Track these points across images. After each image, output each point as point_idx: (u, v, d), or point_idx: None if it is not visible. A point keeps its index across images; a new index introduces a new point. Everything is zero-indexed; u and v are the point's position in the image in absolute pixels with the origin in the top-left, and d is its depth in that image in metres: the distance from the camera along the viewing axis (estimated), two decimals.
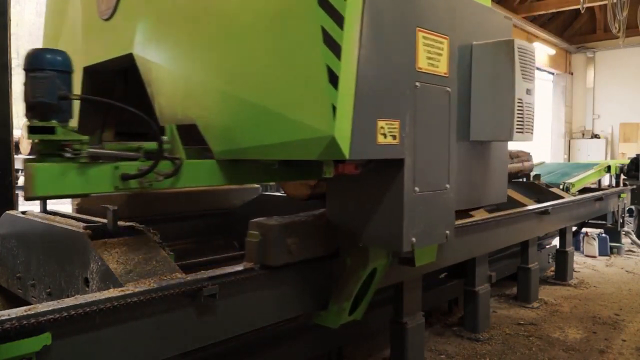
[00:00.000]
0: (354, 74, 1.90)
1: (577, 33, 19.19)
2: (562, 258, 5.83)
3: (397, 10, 2.11)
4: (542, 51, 17.32)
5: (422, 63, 2.24)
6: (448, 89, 2.40)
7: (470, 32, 2.67)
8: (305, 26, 1.93)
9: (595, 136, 19.51)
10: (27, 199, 1.86)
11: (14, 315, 1.50)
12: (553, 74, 19.34)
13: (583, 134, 19.74)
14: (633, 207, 8.27)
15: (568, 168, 8.01)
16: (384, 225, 2.26)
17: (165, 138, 2.09)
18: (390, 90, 2.10)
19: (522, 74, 2.65)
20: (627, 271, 6.47)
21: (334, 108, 1.84)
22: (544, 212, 4.76)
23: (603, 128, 19.40)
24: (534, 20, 16.86)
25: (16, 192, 4.05)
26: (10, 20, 3.84)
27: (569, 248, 5.83)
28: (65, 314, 1.58)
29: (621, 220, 7.28)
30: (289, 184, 3.39)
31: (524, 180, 6.19)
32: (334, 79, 1.85)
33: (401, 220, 2.20)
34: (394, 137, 2.10)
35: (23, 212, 2.89)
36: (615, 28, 11.40)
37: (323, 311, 2.54)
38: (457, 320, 4.42)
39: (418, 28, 2.20)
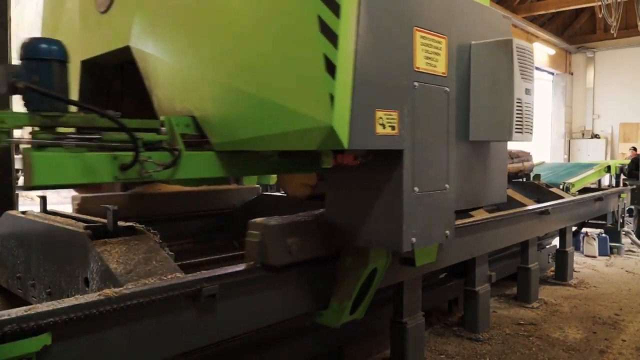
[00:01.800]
0: (351, 63, 1.87)
1: (577, 33, 19.21)
2: (562, 258, 5.83)
3: (393, 7, 2.08)
4: (542, 51, 17.32)
5: (420, 63, 2.21)
6: (447, 88, 2.37)
7: (468, 32, 2.62)
8: (301, 15, 1.91)
9: (595, 136, 19.52)
10: (25, 188, 1.85)
11: (14, 315, 1.50)
12: (553, 74, 19.36)
13: (583, 134, 19.75)
14: (633, 207, 8.28)
15: (568, 168, 8.02)
16: (383, 225, 2.22)
17: (163, 129, 2.14)
18: (389, 82, 2.06)
19: (521, 74, 2.60)
20: (627, 271, 6.47)
21: (332, 97, 1.82)
22: (544, 212, 4.76)
23: (603, 128, 19.41)
24: (534, 20, 16.87)
25: (16, 192, 4.05)
26: (10, 20, 3.85)
27: (569, 248, 5.83)
28: (65, 314, 1.58)
29: (621, 220, 7.28)
30: (290, 184, 3.39)
31: (524, 180, 6.19)
32: (331, 68, 1.83)
33: (401, 221, 2.15)
34: (393, 127, 2.06)
35: (23, 212, 2.88)
36: (610, 18, 11.36)
37: (324, 311, 2.54)
38: (457, 320, 4.42)
39: (415, 27, 2.17)
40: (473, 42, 2.62)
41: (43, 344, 1.54)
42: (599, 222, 7.22)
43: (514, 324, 4.40)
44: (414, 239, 2.20)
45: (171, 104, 2.50)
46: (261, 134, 2.09)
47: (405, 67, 2.13)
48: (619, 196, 6.93)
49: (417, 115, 2.18)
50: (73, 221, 2.43)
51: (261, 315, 2.27)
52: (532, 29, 16.04)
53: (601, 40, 18.47)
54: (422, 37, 2.21)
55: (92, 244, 2.11)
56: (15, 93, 1.86)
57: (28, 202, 13.52)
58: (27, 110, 1.87)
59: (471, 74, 2.63)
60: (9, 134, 1.88)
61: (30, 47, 1.91)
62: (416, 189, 2.20)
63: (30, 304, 1.84)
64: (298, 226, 2.36)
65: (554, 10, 15.86)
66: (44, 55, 1.92)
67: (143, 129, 2.10)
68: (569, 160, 18.47)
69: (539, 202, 5.23)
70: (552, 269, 6.04)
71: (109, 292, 1.73)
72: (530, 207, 4.69)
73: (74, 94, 2.87)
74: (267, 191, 5.90)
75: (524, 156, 6.14)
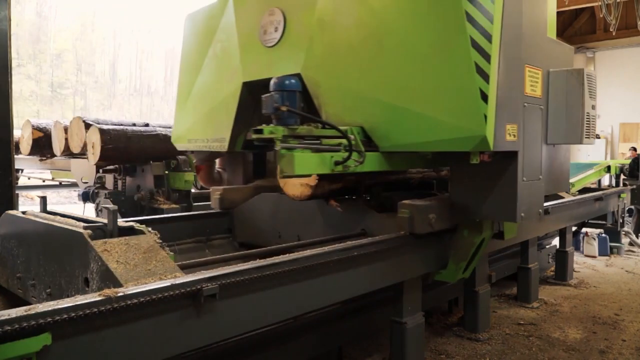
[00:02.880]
0: (495, 93, 2.74)
1: (577, 33, 19.20)
2: (562, 258, 5.83)
3: (515, 51, 2.96)
4: None
5: (528, 89, 3.15)
6: (541, 107, 3.32)
7: (548, 61, 3.45)
8: (462, 61, 2.77)
9: (596, 136, 19.48)
10: (285, 177, 2.76)
11: (14, 315, 1.49)
12: None
13: None
14: (633, 207, 8.27)
15: None
16: (500, 204, 3.10)
17: (352, 136, 2.89)
18: (512, 104, 2.96)
19: (589, 94, 3.44)
20: (627, 271, 6.48)
21: (485, 117, 2.70)
22: (544, 212, 4.75)
23: (603, 128, 19.38)
24: None
25: (16, 192, 4.05)
26: (10, 20, 3.85)
27: (569, 248, 5.83)
28: (65, 314, 1.58)
29: (621, 220, 7.28)
30: (290, 184, 3.39)
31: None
32: (484, 97, 2.70)
33: (515, 200, 3.03)
34: (515, 136, 2.98)
35: (23, 212, 2.88)
36: (609, 16, 11.34)
37: (443, 270, 3.45)
38: (457, 320, 4.42)
39: (526, 65, 3.11)
40: (551, 70, 3.46)
41: (43, 344, 1.54)
42: (599, 222, 7.22)
43: (514, 324, 4.40)
44: (522, 214, 3.08)
45: (340, 117, 3.25)
46: (422, 140, 2.94)
47: (520, 93, 3.07)
48: (619, 196, 6.93)
49: (525, 126, 3.10)
50: (73, 221, 2.43)
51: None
52: None
53: (601, 40, 18.46)
54: (529, 71, 3.17)
55: (92, 244, 2.11)
56: (275, 113, 2.82)
57: (28, 202, 13.52)
58: (277, 124, 2.80)
59: (549, 93, 3.46)
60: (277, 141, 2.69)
61: (281, 83, 2.90)
62: (524, 178, 3.10)
63: (30, 304, 1.84)
64: (435, 205, 3.20)
65: None
66: (291, 88, 2.90)
67: (337, 136, 2.92)
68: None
69: None
70: (552, 269, 6.04)
71: (109, 292, 1.73)
72: None
73: (234, 108, 3.92)
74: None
75: None
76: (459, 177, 3.31)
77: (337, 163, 2.81)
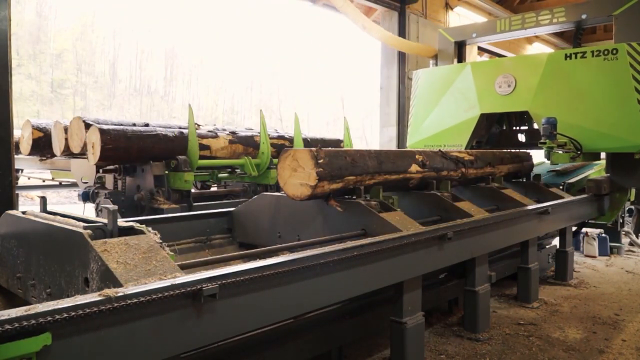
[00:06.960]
0: None
1: None
2: (562, 258, 5.83)
3: None
4: (543, 51, 17.32)
5: None
6: None
7: None
8: (633, 109, 5.49)
9: None
10: (553, 164, 6.47)
11: (14, 315, 1.49)
12: None
13: None
14: (633, 207, 8.27)
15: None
16: None
17: (567, 141, 5.67)
18: None
19: None
20: (627, 271, 6.48)
21: None
22: (544, 212, 4.76)
23: None
24: None
25: (16, 192, 4.04)
26: (10, 20, 3.85)
27: (569, 248, 5.82)
28: (65, 314, 1.58)
29: (621, 220, 7.27)
30: (290, 184, 3.40)
31: (524, 180, 6.19)
32: None
33: None
34: None
35: (23, 212, 2.88)
36: None
37: (601, 216, 6.12)
38: (457, 320, 4.42)
39: None
40: None
41: (43, 344, 1.54)
42: (599, 222, 7.21)
43: (514, 324, 4.40)
44: None
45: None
46: (609, 146, 5.71)
47: None
48: None
49: None
50: (73, 221, 2.43)
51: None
52: None
53: (601, 40, 18.45)
54: None
55: (92, 244, 2.10)
56: (549, 134, 5.51)
57: (28, 202, 13.52)
58: (550, 139, 5.51)
59: None
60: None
61: (549, 120, 5.51)
62: None
63: (30, 304, 1.84)
64: (605, 180, 5.91)
65: None
66: (554, 122, 5.48)
67: (563, 143, 5.68)
68: None
69: (539, 202, 5.22)
70: (552, 269, 6.04)
71: (109, 292, 1.73)
72: (530, 207, 4.68)
73: (472, 127, 6.84)
74: (267, 191, 5.90)
75: (524, 156, 6.14)
76: (618, 165, 6.08)
77: (571, 157, 5.71)
